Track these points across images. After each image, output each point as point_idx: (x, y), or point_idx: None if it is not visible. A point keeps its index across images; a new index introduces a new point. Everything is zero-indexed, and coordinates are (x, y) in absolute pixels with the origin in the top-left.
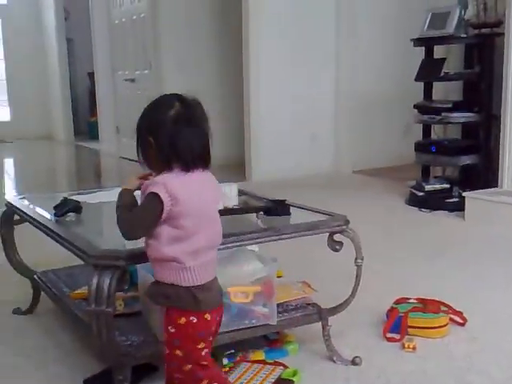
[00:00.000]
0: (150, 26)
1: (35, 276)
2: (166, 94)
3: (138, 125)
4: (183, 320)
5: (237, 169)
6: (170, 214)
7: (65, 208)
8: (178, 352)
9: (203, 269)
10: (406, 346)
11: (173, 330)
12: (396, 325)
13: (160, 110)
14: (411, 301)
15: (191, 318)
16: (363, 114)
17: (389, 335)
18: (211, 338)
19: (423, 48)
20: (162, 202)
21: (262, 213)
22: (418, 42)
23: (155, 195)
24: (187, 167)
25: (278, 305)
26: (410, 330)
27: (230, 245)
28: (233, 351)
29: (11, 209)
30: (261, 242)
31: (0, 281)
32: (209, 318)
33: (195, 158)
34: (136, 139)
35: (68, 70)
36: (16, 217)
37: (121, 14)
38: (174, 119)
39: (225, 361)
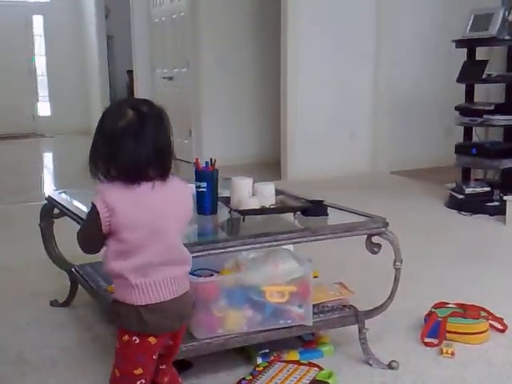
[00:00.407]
0: (189, 24)
1: (73, 269)
2: (121, 101)
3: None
4: (126, 338)
5: (272, 167)
6: (112, 226)
7: None
8: (116, 371)
9: (155, 287)
10: (445, 351)
11: (118, 346)
12: (434, 329)
13: (109, 119)
14: (450, 305)
15: (133, 338)
16: (402, 114)
17: (427, 340)
18: (154, 367)
19: (465, 49)
20: (98, 213)
21: (299, 213)
22: (460, 43)
23: (93, 206)
24: (130, 180)
25: (314, 306)
26: (448, 335)
27: (266, 244)
28: (267, 351)
29: (51, 203)
30: (298, 243)
31: (39, 273)
32: (153, 343)
33: (140, 171)
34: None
35: (107, 67)
36: (55, 210)
37: (161, 12)
38: (120, 130)
39: (259, 360)
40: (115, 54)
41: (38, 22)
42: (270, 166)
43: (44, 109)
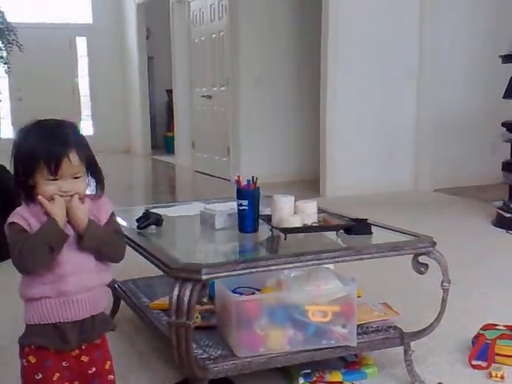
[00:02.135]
0: (228, 43)
1: (116, 285)
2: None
3: None
4: None
5: (310, 185)
6: None
7: (147, 221)
8: None
9: None
10: (494, 374)
11: None
12: (483, 352)
13: None
14: (499, 327)
15: None
16: (446, 130)
17: (475, 362)
18: None
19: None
20: None
21: (342, 231)
22: (507, 58)
23: None
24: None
25: (358, 326)
26: (497, 357)
27: (309, 263)
28: (309, 371)
29: None
30: (342, 261)
31: None
32: None
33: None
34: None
35: (147, 87)
36: None
37: (200, 32)
38: None
39: (301, 380)
40: (155, 74)
41: (81, 43)
42: (308, 183)
43: (87, 128)
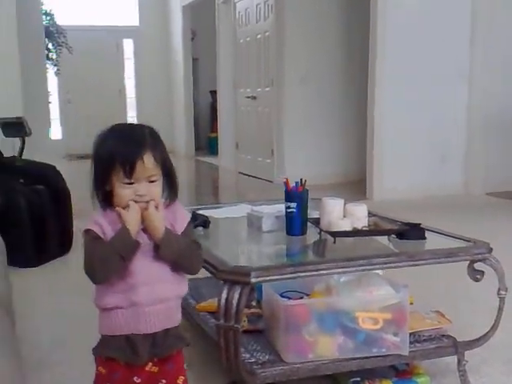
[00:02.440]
0: (274, 43)
1: None
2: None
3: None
4: None
5: (356, 186)
6: None
7: (194, 222)
8: None
9: None
10: None
11: None
12: None
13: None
14: None
15: None
16: (498, 132)
17: None
18: None
19: None
20: None
21: (394, 236)
22: None
23: None
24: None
25: (410, 334)
26: None
27: (360, 268)
28: (358, 379)
29: None
30: (394, 267)
31: None
32: None
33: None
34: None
35: (192, 88)
36: None
37: (246, 33)
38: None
39: None
40: (199, 76)
41: (128, 45)
42: (354, 185)
43: None
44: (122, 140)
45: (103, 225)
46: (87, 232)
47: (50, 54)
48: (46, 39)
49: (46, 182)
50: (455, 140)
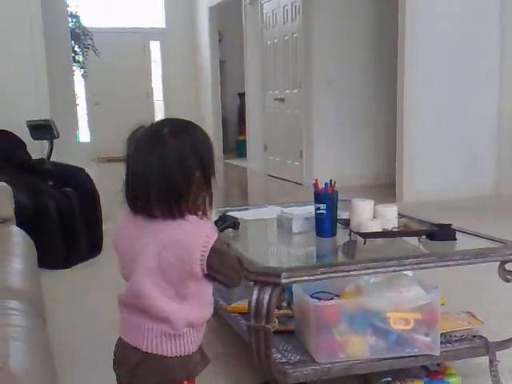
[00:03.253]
0: (301, 45)
1: None
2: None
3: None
4: None
5: (386, 189)
6: None
7: (224, 224)
8: None
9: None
10: None
11: None
12: None
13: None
14: None
15: None
16: None
17: None
18: None
19: None
20: None
21: (424, 237)
22: None
23: None
24: (130, 208)
25: (442, 335)
26: None
27: (391, 269)
28: (390, 379)
29: None
30: (425, 268)
31: None
32: None
33: (130, 200)
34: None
35: (220, 91)
36: None
37: (273, 34)
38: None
39: None
40: (227, 78)
41: (154, 47)
42: (384, 187)
43: None
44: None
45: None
46: (219, 240)
47: (77, 57)
48: (73, 41)
49: (74, 184)
50: (486, 141)
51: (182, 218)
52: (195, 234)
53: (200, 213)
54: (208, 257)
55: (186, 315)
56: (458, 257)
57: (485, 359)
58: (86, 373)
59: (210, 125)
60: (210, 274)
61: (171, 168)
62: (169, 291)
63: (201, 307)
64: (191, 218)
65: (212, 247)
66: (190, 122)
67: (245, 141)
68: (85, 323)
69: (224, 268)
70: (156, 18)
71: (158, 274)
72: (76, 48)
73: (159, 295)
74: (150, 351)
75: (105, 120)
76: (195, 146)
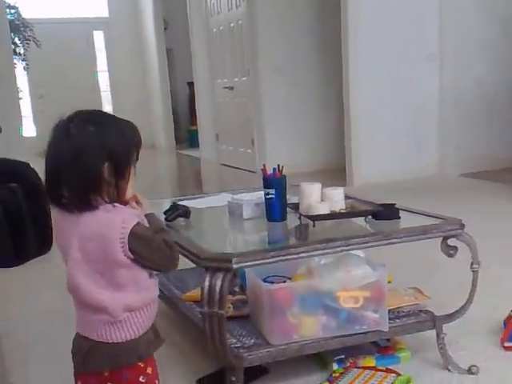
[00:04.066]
0: (247, 32)
1: None
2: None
3: None
4: None
5: (336, 174)
6: None
7: (175, 213)
8: None
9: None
10: None
11: None
12: None
13: None
14: None
15: None
16: (470, 114)
17: (507, 344)
18: None
19: None
20: None
21: (370, 217)
22: None
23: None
24: (51, 202)
25: (390, 311)
26: None
27: (339, 249)
28: (343, 356)
29: None
30: (371, 247)
31: None
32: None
33: (48, 194)
34: None
35: (168, 80)
36: None
37: (218, 22)
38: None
39: (335, 366)
40: (175, 67)
41: (98, 37)
42: (335, 172)
43: None
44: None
45: (139, 215)
46: (139, 225)
47: (18, 49)
48: (12, 34)
49: (20, 179)
50: (428, 124)
51: (96, 208)
52: (111, 222)
53: (117, 202)
54: (129, 242)
55: (122, 302)
56: (403, 234)
57: (433, 333)
58: (39, 370)
59: (161, 115)
60: (137, 260)
61: (77, 160)
62: (101, 281)
63: (138, 292)
64: (108, 207)
65: (131, 232)
66: (102, 112)
67: (197, 131)
68: (37, 320)
69: (148, 252)
70: (99, 8)
71: (87, 265)
72: (16, 40)
73: (93, 287)
74: (99, 339)
75: (50, 113)
76: (102, 137)
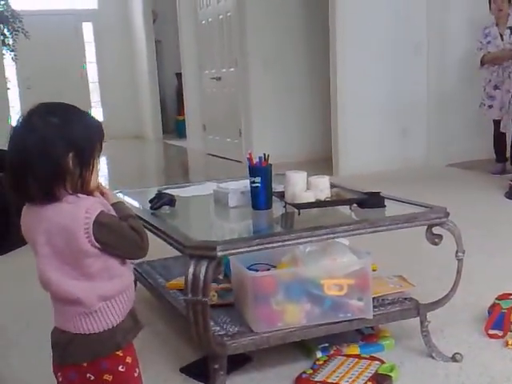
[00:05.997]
0: (236, 24)
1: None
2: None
3: None
4: None
5: (324, 164)
6: None
7: (160, 201)
8: None
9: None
10: (510, 343)
11: None
12: (498, 321)
13: None
14: None
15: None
16: (457, 104)
17: (491, 332)
18: None
19: None
20: None
21: (355, 205)
22: None
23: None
24: (14, 195)
25: (374, 299)
26: None
27: (324, 237)
28: (327, 344)
29: None
30: (356, 234)
31: None
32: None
33: (12, 187)
34: None
35: (157, 71)
36: None
37: (207, 14)
38: None
39: (319, 354)
40: (164, 58)
41: (87, 29)
42: (322, 162)
43: (97, 114)
44: (92, 119)
45: (103, 204)
46: (102, 214)
47: (6, 40)
48: (1, 25)
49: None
50: (415, 114)
51: (59, 200)
52: (74, 212)
53: (81, 193)
54: (93, 231)
55: (96, 292)
56: (388, 222)
57: (417, 321)
58: (22, 358)
59: (148, 105)
60: (105, 248)
61: (37, 152)
62: (73, 273)
63: (111, 280)
64: (70, 198)
65: (95, 221)
66: (65, 104)
67: (184, 121)
68: (21, 309)
69: (115, 240)
70: None
71: (55, 259)
72: (5, 31)
73: (65, 279)
74: (76, 332)
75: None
76: (63, 128)
